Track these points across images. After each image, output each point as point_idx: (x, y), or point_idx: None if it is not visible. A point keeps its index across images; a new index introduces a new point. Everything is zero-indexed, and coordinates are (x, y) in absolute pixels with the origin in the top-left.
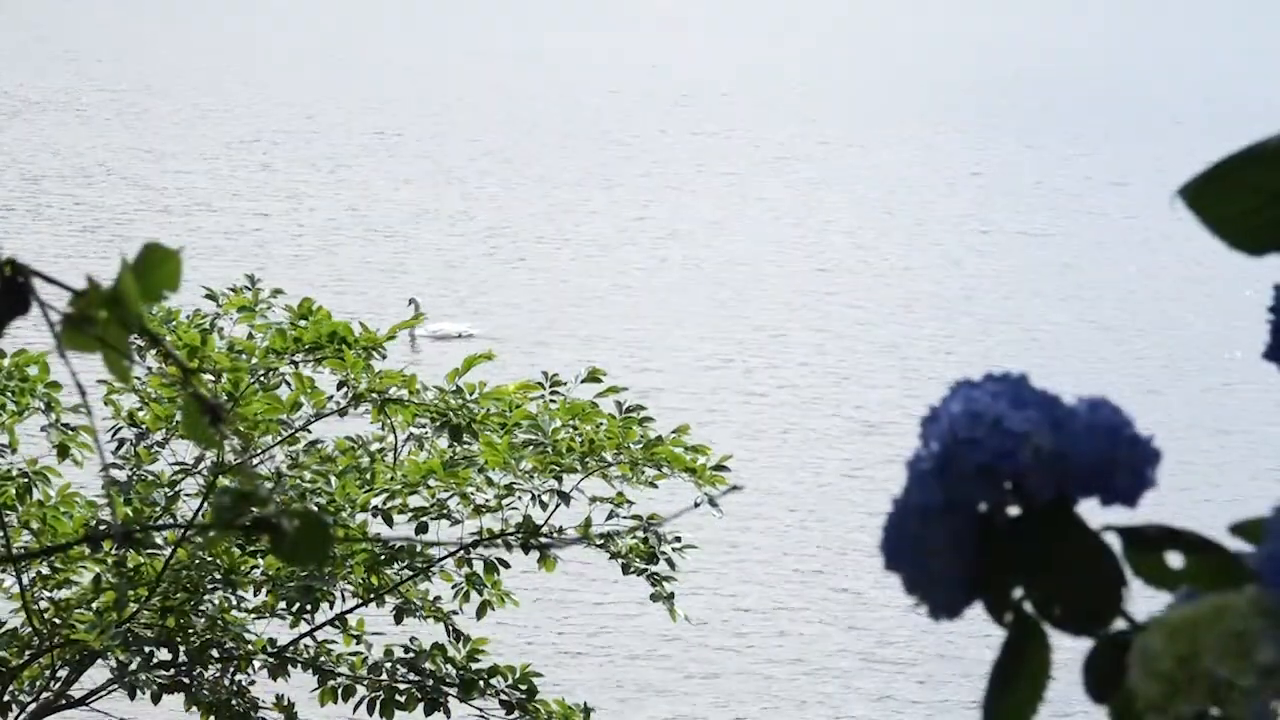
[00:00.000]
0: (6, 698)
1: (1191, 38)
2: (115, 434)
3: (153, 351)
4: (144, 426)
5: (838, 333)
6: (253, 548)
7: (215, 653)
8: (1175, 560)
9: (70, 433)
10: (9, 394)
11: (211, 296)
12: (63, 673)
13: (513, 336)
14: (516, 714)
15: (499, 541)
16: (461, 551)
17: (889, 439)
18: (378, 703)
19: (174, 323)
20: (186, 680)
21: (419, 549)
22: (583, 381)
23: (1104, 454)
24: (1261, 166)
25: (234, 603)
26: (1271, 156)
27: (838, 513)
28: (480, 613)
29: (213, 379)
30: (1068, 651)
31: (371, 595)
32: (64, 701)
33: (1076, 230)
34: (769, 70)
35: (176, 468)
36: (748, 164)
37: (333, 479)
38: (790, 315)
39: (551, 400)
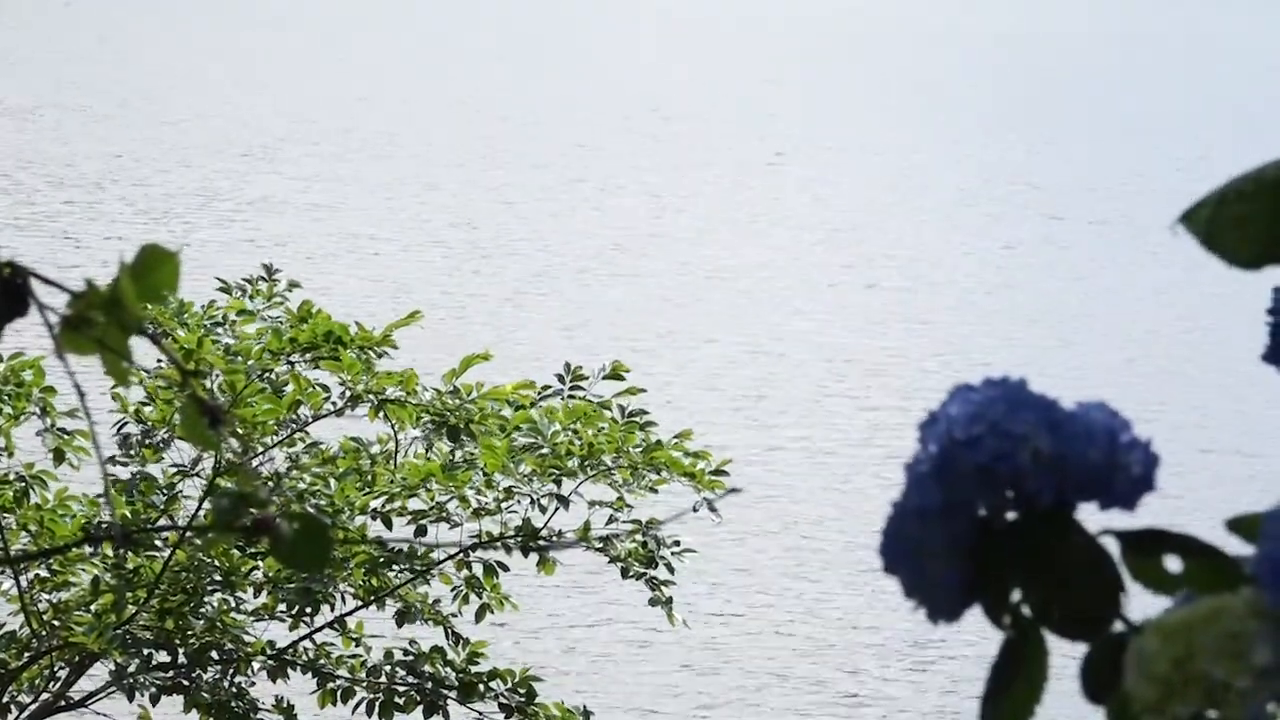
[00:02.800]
0: (6, 699)
1: (1195, 37)
2: (120, 428)
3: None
4: (149, 423)
5: (845, 341)
6: (252, 550)
7: (214, 655)
8: (1173, 564)
9: (66, 437)
10: (5, 398)
11: (225, 289)
12: (62, 674)
13: (518, 343)
14: (516, 717)
15: (498, 544)
16: (461, 554)
17: (898, 452)
18: (377, 705)
19: (186, 315)
20: (185, 682)
21: (419, 552)
22: (605, 378)
23: (1103, 457)
24: (1259, 185)
25: (233, 605)
26: (1271, 178)
27: (858, 529)
28: (479, 615)
29: (219, 372)
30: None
31: (371, 598)
32: (63, 703)
33: (1089, 236)
34: (770, 71)
35: (174, 468)
36: (748, 166)
37: (332, 481)
38: (798, 324)
39: (570, 397)
